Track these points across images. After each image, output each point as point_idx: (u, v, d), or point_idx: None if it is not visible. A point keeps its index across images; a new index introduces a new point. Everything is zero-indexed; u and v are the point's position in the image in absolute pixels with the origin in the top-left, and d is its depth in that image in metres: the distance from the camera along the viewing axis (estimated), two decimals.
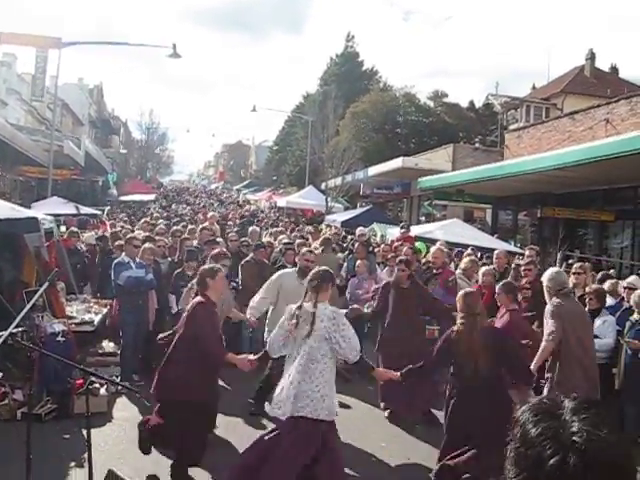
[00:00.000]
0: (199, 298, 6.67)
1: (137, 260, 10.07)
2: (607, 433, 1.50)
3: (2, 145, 19.08)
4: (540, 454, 1.48)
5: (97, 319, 10.23)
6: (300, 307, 5.80)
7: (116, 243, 12.52)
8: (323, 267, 6.28)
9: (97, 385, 8.44)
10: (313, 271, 6.15)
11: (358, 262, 12.18)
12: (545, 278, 7.51)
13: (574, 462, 1.44)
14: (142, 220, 18.61)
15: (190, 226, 16.59)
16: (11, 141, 19.76)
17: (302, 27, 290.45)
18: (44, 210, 15.91)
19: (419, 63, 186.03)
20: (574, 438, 1.48)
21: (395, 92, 49.54)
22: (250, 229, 16.69)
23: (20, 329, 4.58)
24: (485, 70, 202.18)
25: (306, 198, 37.71)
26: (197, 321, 6.44)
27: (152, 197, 44.63)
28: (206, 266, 7.27)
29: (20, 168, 26.57)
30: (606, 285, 10.10)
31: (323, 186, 38.31)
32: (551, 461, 1.46)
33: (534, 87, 45.20)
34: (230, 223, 25.62)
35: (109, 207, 30.75)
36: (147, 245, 10.52)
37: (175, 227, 15.51)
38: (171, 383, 6.39)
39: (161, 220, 21.28)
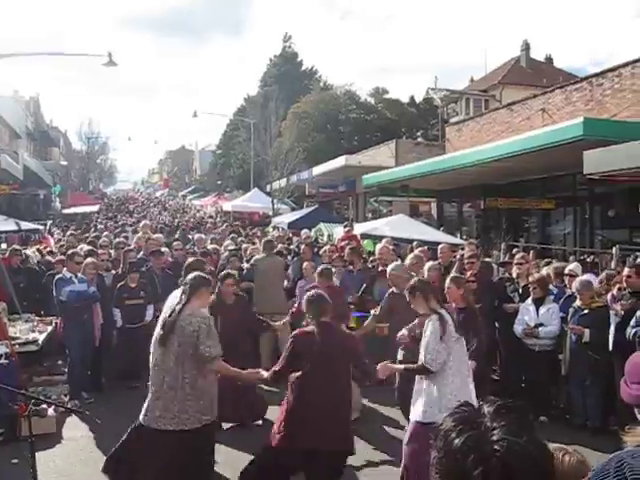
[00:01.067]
0: None
1: (79, 275, 9.90)
2: (526, 440, 1.52)
3: None
4: (464, 466, 1.49)
5: (42, 337, 10.01)
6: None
7: (56, 259, 12.27)
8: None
9: (45, 406, 8.26)
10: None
11: (305, 264, 12.16)
12: None
13: (497, 473, 1.46)
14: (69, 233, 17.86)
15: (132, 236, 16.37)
16: None
17: (242, 29, 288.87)
18: None
19: (359, 62, 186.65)
20: (495, 447, 1.49)
21: (336, 90, 49.70)
22: (196, 236, 16.58)
23: None
24: (425, 67, 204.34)
25: (252, 201, 37.54)
26: None
27: (96, 208, 43.98)
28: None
29: None
30: (550, 270, 10.33)
31: (268, 188, 38.20)
32: (475, 472, 1.47)
33: (472, 80, 45.80)
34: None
35: (52, 221, 30.16)
36: (89, 260, 10.35)
37: (117, 239, 15.30)
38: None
39: (106, 232, 20.94)
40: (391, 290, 8.91)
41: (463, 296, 7.82)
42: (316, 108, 45.01)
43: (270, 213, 34.75)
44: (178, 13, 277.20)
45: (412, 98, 48.32)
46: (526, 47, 41.65)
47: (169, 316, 5.50)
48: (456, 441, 1.54)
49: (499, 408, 1.60)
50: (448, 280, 8.04)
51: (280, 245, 14.87)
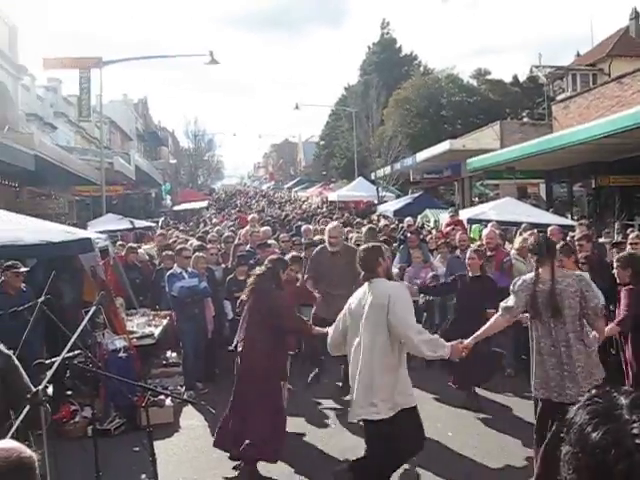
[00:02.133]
0: None
1: (189, 270, 10.22)
2: None
3: (54, 168, 19.48)
4: (604, 461, 1.42)
5: (157, 331, 10.38)
6: None
7: (164, 254, 12.68)
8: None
9: (162, 397, 8.58)
10: None
11: (412, 251, 12.12)
12: None
13: None
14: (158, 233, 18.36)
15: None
16: (63, 163, 20.17)
17: (341, 20, 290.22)
18: (100, 227, 16.28)
19: (459, 43, 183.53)
20: (637, 441, 1.41)
21: (437, 75, 49.08)
22: (303, 227, 16.71)
23: (77, 351, 4.68)
24: (527, 44, 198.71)
25: (357, 190, 37.62)
26: None
27: (205, 204, 45.08)
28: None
29: (74, 188, 27.11)
30: None
31: (373, 176, 38.16)
32: (617, 468, 1.40)
33: (578, 54, 44.17)
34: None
35: (163, 218, 31.18)
36: (199, 254, 10.67)
37: (226, 233, 15.64)
38: None
39: (217, 227, 21.34)
40: None
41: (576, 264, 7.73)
42: (417, 94, 44.59)
43: (375, 201, 34.74)
44: (277, 8, 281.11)
45: (515, 77, 47.19)
46: (635, 15, 39.66)
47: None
48: (593, 435, 1.46)
49: (635, 399, 1.51)
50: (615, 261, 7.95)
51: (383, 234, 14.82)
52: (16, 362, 4.02)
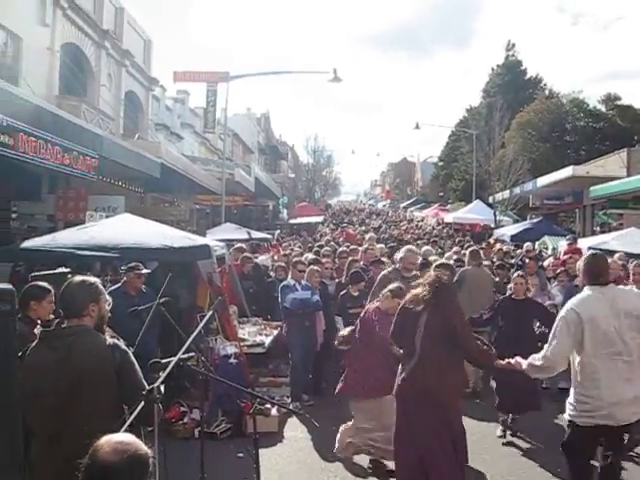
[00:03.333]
0: None
1: (303, 282, 10.32)
2: None
3: (179, 176, 20.21)
4: None
5: (268, 341, 10.53)
6: None
7: (276, 264, 12.82)
8: None
9: (268, 405, 8.66)
10: None
11: (530, 278, 11.79)
12: None
13: None
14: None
15: (352, 246, 16.65)
16: (186, 172, 20.90)
17: (467, 42, 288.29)
18: (218, 236, 16.70)
19: (587, 68, 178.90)
20: None
21: (562, 99, 47.78)
22: (424, 248, 16.49)
23: (191, 354, 4.81)
24: None
25: (473, 213, 37.07)
26: None
27: (320, 219, 45.48)
28: None
29: (195, 197, 28.01)
30: None
31: (490, 200, 37.50)
32: None
33: None
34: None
35: (279, 230, 31.68)
36: (313, 267, 10.77)
37: (340, 249, 15.69)
38: None
39: (331, 242, 21.47)
40: None
41: None
42: (541, 117, 43.55)
43: (492, 225, 34.12)
44: (403, 29, 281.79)
45: None
46: None
47: None
48: None
49: None
50: None
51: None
52: (132, 359, 4.15)
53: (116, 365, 4.03)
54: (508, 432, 8.71)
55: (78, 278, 4.40)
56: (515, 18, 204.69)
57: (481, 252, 14.02)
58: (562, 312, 5.59)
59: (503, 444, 8.43)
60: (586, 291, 5.63)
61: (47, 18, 18.49)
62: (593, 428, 5.39)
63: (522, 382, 7.50)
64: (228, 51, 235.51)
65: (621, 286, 6.84)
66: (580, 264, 5.97)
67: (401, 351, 6.53)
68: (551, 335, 5.62)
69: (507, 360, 6.08)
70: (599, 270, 5.66)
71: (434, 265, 6.92)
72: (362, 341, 7.38)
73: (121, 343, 4.18)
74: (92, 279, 4.40)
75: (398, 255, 10.07)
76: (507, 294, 9.64)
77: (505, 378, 8.08)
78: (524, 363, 5.83)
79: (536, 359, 5.67)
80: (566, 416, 5.63)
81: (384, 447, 7.08)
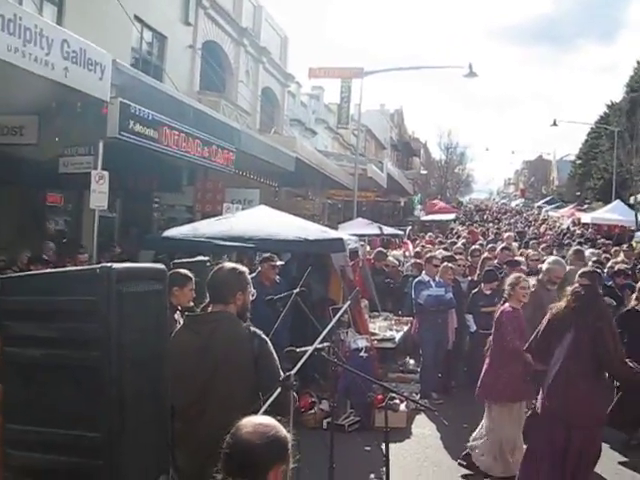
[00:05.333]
0: None
1: (437, 279, 10.22)
2: None
3: (312, 170, 20.47)
4: None
5: (398, 336, 10.50)
6: None
7: (412, 261, 12.77)
8: None
9: (397, 401, 8.63)
10: None
11: None
12: None
13: None
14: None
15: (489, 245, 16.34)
16: (320, 167, 21.12)
17: (613, 35, 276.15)
18: (350, 230, 16.78)
19: None
20: None
21: None
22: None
23: (326, 344, 4.83)
24: None
25: (613, 213, 35.44)
26: None
27: (452, 216, 44.89)
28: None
29: (328, 191, 28.29)
30: None
31: (632, 200, 35.76)
32: None
33: None
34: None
35: (411, 227, 31.50)
36: (447, 264, 10.64)
37: (473, 246, 15.43)
38: None
39: (463, 240, 21.15)
40: None
41: None
42: None
43: (632, 227, 32.55)
44: (545, 22, 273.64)
45: None
46: None
47: None
48: None
49: None
50: None
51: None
52: (271, 348, 4.22)
53: (255, 353, 4.12)
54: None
55: (229, 265, 4.52)
56: None
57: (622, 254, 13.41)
58: None
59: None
60: None
61: (190, 17, 19.26)
62: None
63: None
64: (363, 48, 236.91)
65: None
66: None
67: (531, 360, 6.40)
68: None
69: None
70: None
71: (578, 273, 6.53)
72: (496, 344, 7.22)
73: (259, 332, 4.26)
74: (242, 268, 4.49)
75: (543, 266, 9.49)
76: (632, 305, 8.83)
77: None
78: None
79: None
80: None
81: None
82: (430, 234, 26.02)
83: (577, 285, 6.21)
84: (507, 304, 7.25)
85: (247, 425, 2.48)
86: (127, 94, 9.57)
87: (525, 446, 6.36)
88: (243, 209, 13.38)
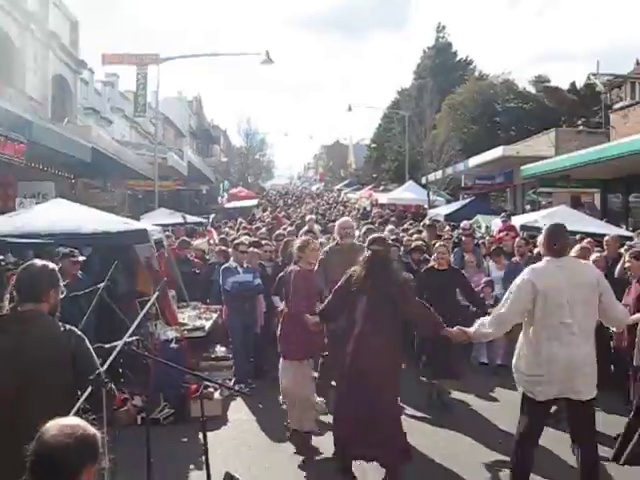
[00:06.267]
0: None
1: (245, 265, 10.27)
2: None
3: (110, 161, 19.77)
4: None
5: (208, 325, 10.46)
6: None
7: (217, 248, 12.79)
8: None
9: (211, 389, 8.64)
10: None
11: (466, 255, 12.04)
12: None
13: None
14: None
15: (289, 228, 16.68)
16: (118, 157, 20.44)
17: (403, 25, 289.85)
18: (153, 221, 16.46)
19: (518, 51, 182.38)
20: None
21: (492, 80, 48.58)
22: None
23: (134, 338, 4.72)
24: (589, 52, 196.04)
25: (407, 193, 37.41)
26: None
27: (255, 202, 45.25)
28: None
29: (127, 182, 27.50)
30: None
31: (424, 180, 37.95)
32: None
33: (638, 63, 43.25)
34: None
35: (214, 215, 31.39)
36: (253, 250, 10.75)
37: (277, 231, 15.67)
38: None
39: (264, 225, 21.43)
40: None
41: None
42: (471, 99, 44.22)
43: (426, 205, 34.53)
44: (340, 12, 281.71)
45: (573, 85, 46.35)
46: None
47: None
48: None
49: None
50: (628, 255, 8.53)
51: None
52: (88, 345, 4.06)
53: (72, 351, 3.94)
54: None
55: (40, 262, 4.25)
56: (448, 0, 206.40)
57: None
58: (518, 280, 5.69)
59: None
60: (544, 262, 5.75)
61: None
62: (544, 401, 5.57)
63: (448, 350, 8.12)
64: (160, 34, 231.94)
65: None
66: (540, 236, 6.13)
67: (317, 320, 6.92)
68: (503, 299, 5.79)
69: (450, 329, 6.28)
70: (558, 241, 5.77)
71: (368, 240, 6.91)
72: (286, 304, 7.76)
73: (75, 329, 4.08)
74: (52, 265, 4.27)
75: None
76: (430, 265, 9.87)
77: (431, 345, 8.59)
78: (471, 329, 5.97)
79: (484, 322, 5.78)
80: (519, 388, 5.76)
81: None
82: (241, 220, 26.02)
83: (370, 251, 6.60)
84: (295, 265, 7.64)
85: (52, 428, 2.38)
86: None
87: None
88: (37, 203, 12.73)
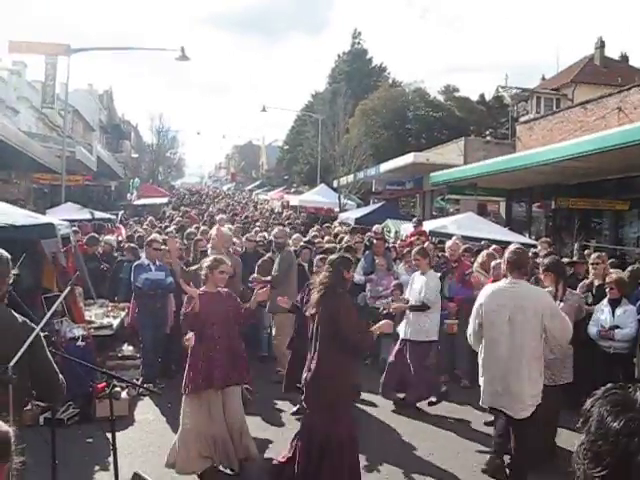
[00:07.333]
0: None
1: (157, 263, 10.11)
2: None
3: (15, 152, 19.12)
4: (627, 449, 1.44)
5: (115, 323, 10.26)
6: None
7: (126, 245, 12.58)
8: None
9: (118, 389, 8.47)
10: None
11: (377, 259, 12.19)
12: None
13: None
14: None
15: (202, 227, 16.53)
16: (24, 148, 19.79)
17: (320, 29, 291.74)
18: (59, 216, 15.98)
19: (430, 60, 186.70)
20: None
21: (405, 88, 49.44)
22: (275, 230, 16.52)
23: (43, 334, 4.57)
24: (496, 65, 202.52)
25: (318, 196, 37.62)
26: None
27: (165, 200, 44.65)
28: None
29: (33, 175, 26.68)
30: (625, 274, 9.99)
31: (335, 184, 38.23)
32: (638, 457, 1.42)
33: (544, 78, 44.93)
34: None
35: (123, 211, 30.80)
36: (165, 247, 10.61)
37: (189, 229, 15.52)
38: None
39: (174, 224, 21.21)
40: None
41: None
42: (384, 105, 44.87)
43: (336, 209, 34.79)
44: (256, 13, 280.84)
45: (482, 96, 47.74)
46: (601, 45, 40.41)
47: None
48: (614, 425, 1.49)
49: None
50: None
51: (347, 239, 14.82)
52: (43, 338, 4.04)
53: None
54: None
55: None
56: (365, 8, 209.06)
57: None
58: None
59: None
60: (501, 282, 6.41)
61: None
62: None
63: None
64: (74, 25, 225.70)
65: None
66: (506, 254, 6.44)
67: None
68: None
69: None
70: (520, 263, 6.27)
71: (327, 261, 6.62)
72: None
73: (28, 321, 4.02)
74: (5, 254, 4.09)
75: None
76: None
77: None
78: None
79: None
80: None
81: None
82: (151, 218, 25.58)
83: (323, 274, 6.39)
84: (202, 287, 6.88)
85: None
86: None
87: None
88: None
